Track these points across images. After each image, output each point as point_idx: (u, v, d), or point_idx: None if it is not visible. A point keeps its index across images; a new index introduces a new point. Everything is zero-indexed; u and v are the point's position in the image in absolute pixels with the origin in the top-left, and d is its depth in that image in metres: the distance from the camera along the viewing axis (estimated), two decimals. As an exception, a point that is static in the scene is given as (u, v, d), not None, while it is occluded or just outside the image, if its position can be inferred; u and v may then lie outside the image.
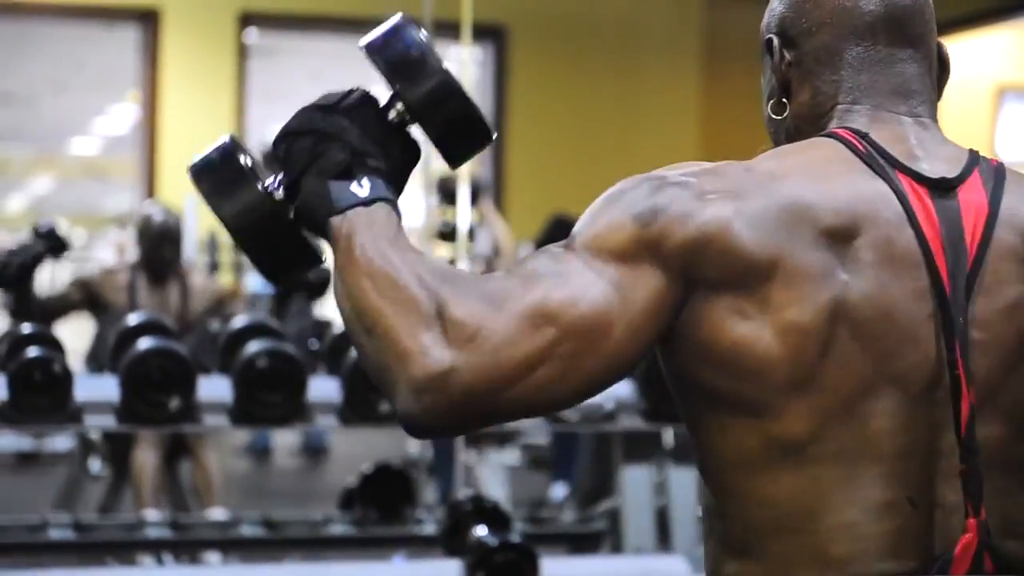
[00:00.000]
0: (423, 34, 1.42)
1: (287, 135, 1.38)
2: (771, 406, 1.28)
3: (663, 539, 4.20)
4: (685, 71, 9.39)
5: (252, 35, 9.10)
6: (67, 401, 3.45)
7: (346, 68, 14.00)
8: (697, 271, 1.27)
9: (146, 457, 5.04)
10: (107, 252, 11.90)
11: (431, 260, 1.30)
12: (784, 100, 1.43)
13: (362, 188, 1.32)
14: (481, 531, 3.78)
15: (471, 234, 6.75)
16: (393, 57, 1.42)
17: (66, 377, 3.45)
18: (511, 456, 6.92)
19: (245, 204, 1.36)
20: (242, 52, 8.77)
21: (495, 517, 3.95)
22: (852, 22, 1.40)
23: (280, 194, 1.37)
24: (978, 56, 9.60)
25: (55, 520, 4.40)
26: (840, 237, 1.29)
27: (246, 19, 8.77)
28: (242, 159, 1.39)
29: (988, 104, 9.67)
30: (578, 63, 9.27)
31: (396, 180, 1.36)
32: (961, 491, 1.30)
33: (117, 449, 5.22)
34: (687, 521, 4.21)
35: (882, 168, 1.33)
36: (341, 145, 1.34)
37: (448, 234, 6.63)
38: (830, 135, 1.37)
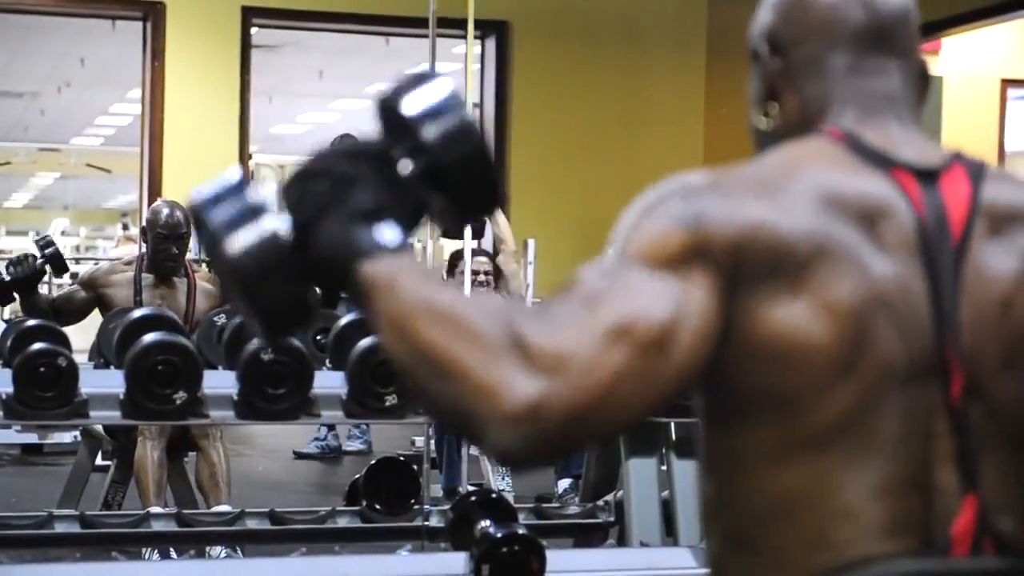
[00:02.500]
0: (447, 88, 1.36)
1: (300, 178, 1.31)
2: (803, 399, 1.30)
3: (669, 531, 4.20)
4: (689, 67, 9.38)
5: (255, 30, 9.09)
6: (72, 395, 3.45)
7: (349, 63, 14.03)
8: (745, 268, 1.29)
9: (148, 453, 5.04)
10: (113, 248, 11.90)
11: (485, 297, 1.29)
12: (772, 103, 1.47)
13: (391, 234, 1.28)
14: (487, 523, 3.78)
15: (479, 230, 6.76)
16: (425, 114, 1.34)
17: (71, 371, 3.45)
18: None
19: (253, 245, 1.28)
20: (245, 47, 8.76)
21: (500, 509, 3.95)
22: (839, 32, 1.44)
23: (288, 238, 1.29)
24: (984, 51, 9.60)
25: (60, 514, 4.41)
26: (868, 221, 1.34)
27: (249, 14, 8.76)
28: (250, 196, 1.32)
29: (994, 98, 9.66)
30: (581, 59, 9.26)
31: (409, 233, 1.33)
32: (957, 472, 1.32)
33: (121, 443, 5.22)
34: (693, 513, 4.21)
35: (876, 162, 1.38)
36: (363, 190, 1.29)
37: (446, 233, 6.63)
38: (821, 134, 1.42)
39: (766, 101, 1.48)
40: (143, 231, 5.51)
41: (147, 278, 5.35)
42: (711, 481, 1.39)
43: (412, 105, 1.34)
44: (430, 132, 1.33)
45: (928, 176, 1.38)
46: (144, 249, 5.46)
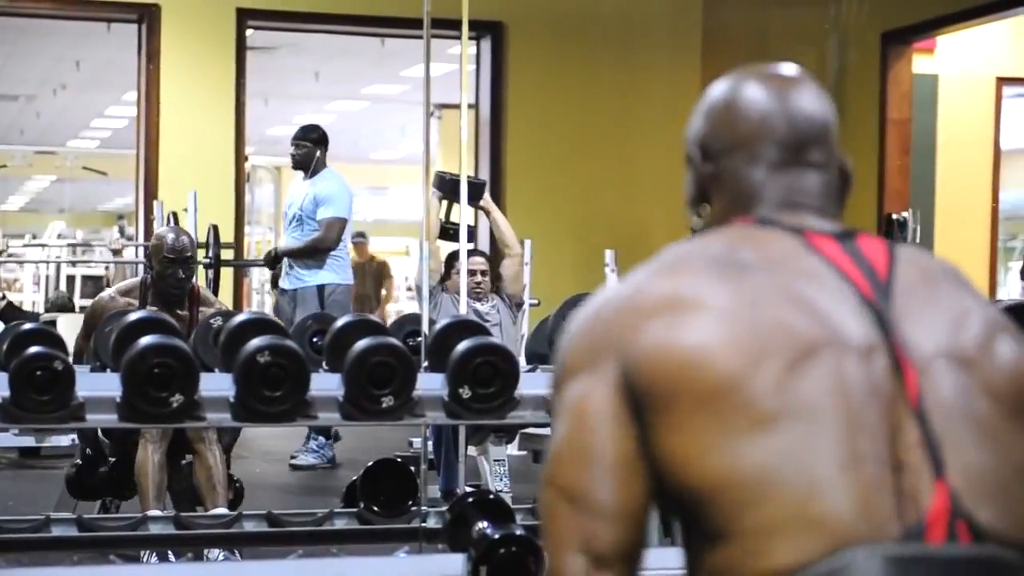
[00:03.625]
0: None
1: None
2: (732, 390, 1.41)
3: (666, 532, 4.20)
4: (684, 66, 9.38)
5: (250, 32, 9.09)
6: (69, 399, 3.45)
7: (344, 65, 14.03)
8: (629, 333, 1.47)
9: (149, 456, 5.03)
10: (105, 252, 11.89)
11: None
12: (704, 204, 1.62)
13: None
14: (484, 525, 3.78)
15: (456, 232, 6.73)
16: None
17: (68, 374, 3.45)
18: (513, 449, 6.92)
19: None
20: (241, 49, 8.76)
21: (498, 511, 3.95)
22: (763, 146, 1.58)
23: None
24: (980, 49, 9.61)
25: (58, 517, 4.40)
26: (738, 250, 1.49)
27: (244, 16, 8.76)
28: None
29: (990, 96, 9.67)
30: (576, 59, 9.26)
31: None
32: (926, 460, 1.39)
33: (118, 447, 5.22)
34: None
35: (791, 231, 1.52)
36: None
37: (451, 233, 6.63)
38: (739, 222, 1.56)
39: (699, 202, 1.62)
40: (148, 258, 5.46)
41: (151, 308, 5.29)
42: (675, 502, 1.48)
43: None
44: None
45: (845, 236, 1.53)
46: (145, 276, 5.42)
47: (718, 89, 1.62)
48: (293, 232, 7.43)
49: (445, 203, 6.70)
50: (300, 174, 7.60)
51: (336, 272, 7.37)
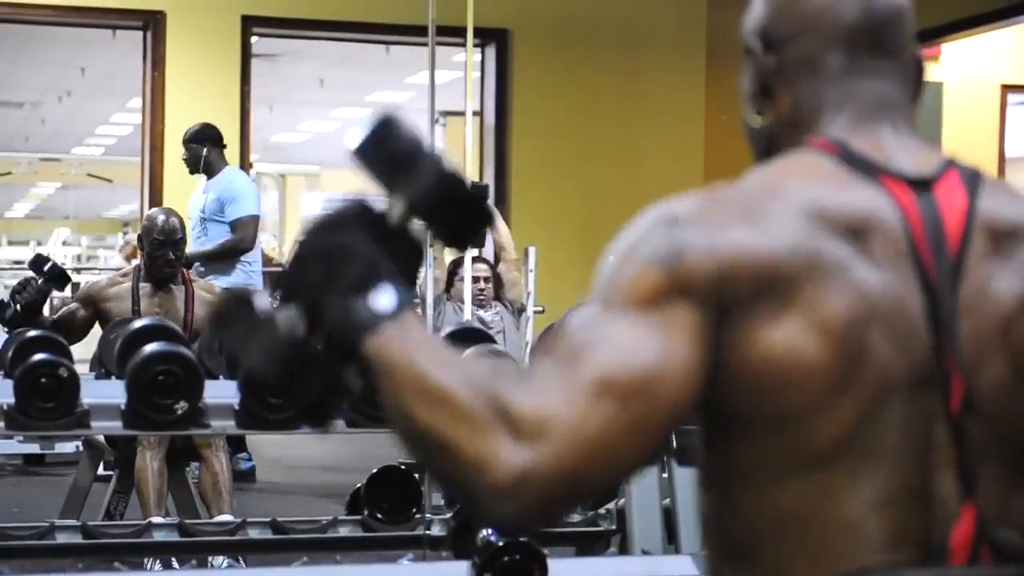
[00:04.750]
0: (407, 126, 1.39)
1: (296, 265, 1.32)
2: (801, 418, 1.29)
3: (670, 539, 4.20)
4: (689, 72, 9.38)
5: (255, 39, 9.10)
6: (73, 406, 3.45)
7: (349, 72, 14.02)
8: (731, 298, 1.28)
9: (148, 464, 5.03)
10: (116, 257, 11.90)
11: (472, 361, 1.29)
12: (766, 101, 1.45)
13: (386, 300, 1.28)
14: (488, 532, 3.77)
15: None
16: (384, 160, 1.36)
17: (72, 382, 3.45)
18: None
19: (268, 350, 1.30)
20: (246, 56, 8.77)
21: (502, 518, 3.94)
22: (832, 32, 1.41)
23: (302, 329, 1.30)
24: (984, 56, 9.60)
25: (62, 524, 4.40)
26: (857, 235, 1.32)
27: (249, 23, 8.77)
28: (259, 304, 1.33)
29: (994, 104, 9.67)
30: (581, 66, 9.26)
31: (409, 282, 1.34)
32: (956, 482, 1.32)
33: (123, 454, 5.22)
34: (694, 521, 4.21)
35: (867, 173, 1.36)
36: (353, 259, 1.29)
37: None
38: (809, 147, 1.40)
39: (759, 98, 1.45)
40: (139, 239, 5.54)
41: (144, 287, 5.36)
42: (709, 497, 1.38)
43: (367, 155, 1.36)
44: (391, 175, 1.35)
45: (922, 185, 1.36)
46: (140, 258, 5.49)
47: None
48: (199, 237, 6.98)
49: None
50: (203, 178, 7.23)
51: (250, 276, 6.94)
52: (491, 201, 6.98)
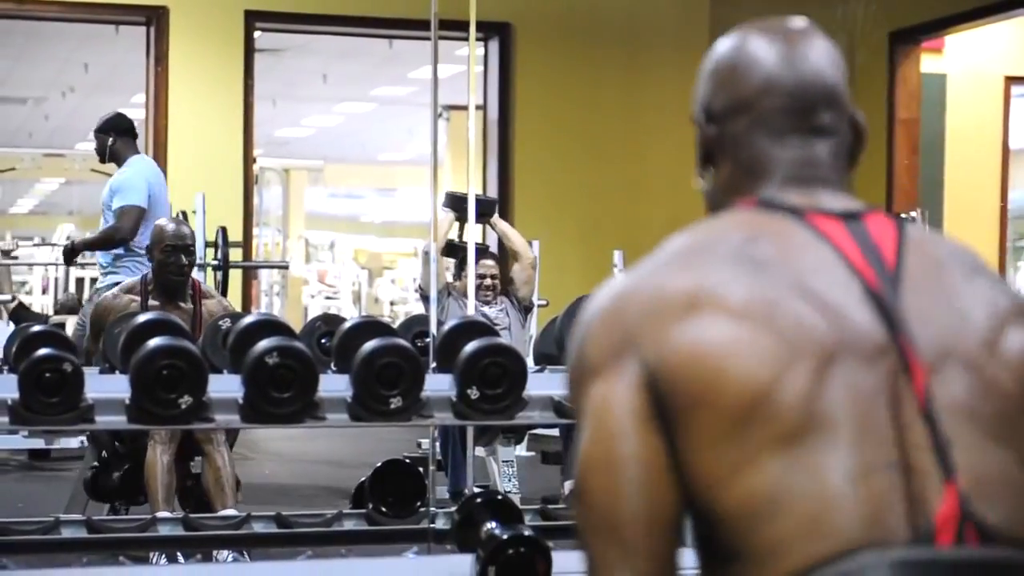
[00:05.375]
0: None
1: None
2: (755, 404, 1.36)
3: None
4: (692, 67, 9.27)
5: (259, 34, 9.10)
6: (78, 401, 3.45)
7: (352, 66, 14.03)
8: (649, 334, 1.40)
9: (159, 458, 5.04)
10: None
11: None
12: (709, 167, 1.55)
13: None
14: (493, 525, 3.78)
15: (463, 251, 6.73)
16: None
17: (77, 376, 3.45)
18: (522, 450, 6.92)
19: None
20: (249, 51, 8.77)
21: (507, 511, 3.96)
22: (766, 108, 1.50)
23: None
24: (988, 48, 9.59)
25: (67, 519, 4.41)
26: (752, 242, 1.42)
27: (252, 18, 8.77)
28: None
29: (998, 95, 9.65)
30: (584, 60, 9.26)
31: None
32: (934, 461, 1.36)
33: (127, 448, 5.22)
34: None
35: (792, 215, 1.45)
36: None
37: (453, 249, 6.65)
38: (738, 206, 1.50)
39: (703, 165, 1.55)
40: (148, 250, 5.47)
41: (155, 300, 5.32)
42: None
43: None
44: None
45: (851, 216, 1.45)
46: (146, 273, 5.45)
47: (721, 47, 1.55)
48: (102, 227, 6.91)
49: (456, 224, 6.71)
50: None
51: (134, 272, 6.54)
52: (497, 214, 6.99)
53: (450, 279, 6.88)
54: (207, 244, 7.41)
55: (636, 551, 1.35)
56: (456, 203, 6.62)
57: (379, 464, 4.50)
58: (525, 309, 6.80)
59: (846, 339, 1.36)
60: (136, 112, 7.99)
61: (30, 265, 13.98)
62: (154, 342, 3.51)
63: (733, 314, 1.36)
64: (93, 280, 13.98)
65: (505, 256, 7.01)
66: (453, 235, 6.74)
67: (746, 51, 1.52)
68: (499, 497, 4.04)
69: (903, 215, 7.75)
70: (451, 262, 6.93)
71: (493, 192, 9.08)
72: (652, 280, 1.40)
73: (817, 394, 1.34)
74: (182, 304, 5.32)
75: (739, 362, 1.34)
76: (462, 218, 6.62)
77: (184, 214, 7.30)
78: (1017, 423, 1.39)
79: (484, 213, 6.64)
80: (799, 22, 1.55)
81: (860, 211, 1.46)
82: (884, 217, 1.46)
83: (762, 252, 1.40)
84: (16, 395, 3.43)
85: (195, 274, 5.64)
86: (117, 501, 5.25)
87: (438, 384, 3.68)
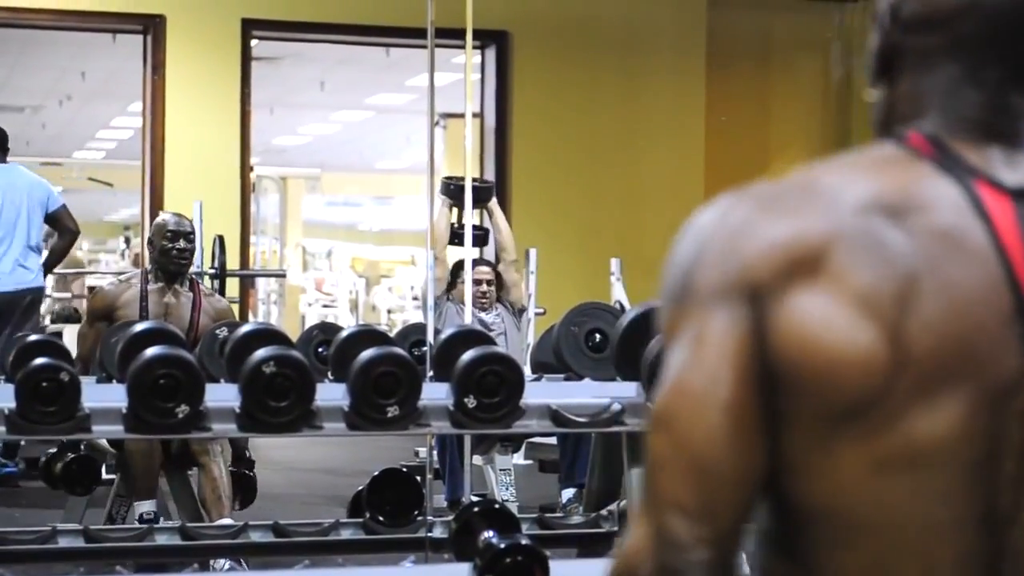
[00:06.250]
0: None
1: None
2: (866, 410, 1.18)
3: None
4: (689, 73, 9.38)
5: (255, 42, 9.10)
6: (75, 410, 3.45)
7: (349, 74, 14.02)
8: (765, 287, 1.19)
9: (139, 443, 5.03)
10: (118, 263, 11.90)
11: None
12: (885, 79, 1.31)
13: None
14: (490, 534, 3.78)
15: (482, 238, 6.77)
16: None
17: (74, 385, 3.45)
18: (519, 458, 6.92)
19: None
20: (246, 59, 8.77)
21: (504, 520, 3.95)
22: (966, 32, 1.25)
23: None
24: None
25: (64, 528, 4.40)
26: (892, 211, 1.19)
27: (249, 26, 8.78)
28: None
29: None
30: (581, 68, 9.27)
31: None
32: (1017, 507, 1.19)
33: (126, 456, 5.22)
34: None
35: (951, 169, 1.21)
36: None
37: (458, 235, 6.66)
38: (897, 141, 1.26)
39: (879, 74, 1.31)
40: (149, 243, 5.67)
41: (154, 292, 5.44)
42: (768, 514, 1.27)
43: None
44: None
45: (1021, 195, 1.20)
46: (149, 261, 5.56)
47: None
48: None
49: (456, 210, 6.75)
50: None
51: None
52: (495, 198, 7.02)
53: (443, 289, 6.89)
54: (203, 253, 7.41)
55: (719, 504, 1.19)
56: (452, 191, 6.65)
57: (376, 473, 4.50)
58: (519, 312, 6.81)
59: (973, 364, 1.17)
60: (133, 120, 8.00)
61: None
62: (151, 351, 3.51)
63: (858, 297, 1.16)
64: (91, 289, 14.00)
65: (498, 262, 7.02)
66: (454, 220, 6.79)
67: None
68: (496, 506, 4.03)
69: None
70: (448, 271, 6.94)
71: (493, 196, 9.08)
72: (776, 222, 1.20)
73: (928, 418, 1.16)
74: (180, 288, 5.47)
75: (856, 362, 1.15)
76: (458, 204, 6.63)
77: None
78: None
79: (481, 199, 6.68)
80: None
81: None
82: None
83: (902, 219, 1.18)
84: (13, 404, 3.43)
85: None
86: (68, 486, 5.16)
87: (435, 393, 3.68)
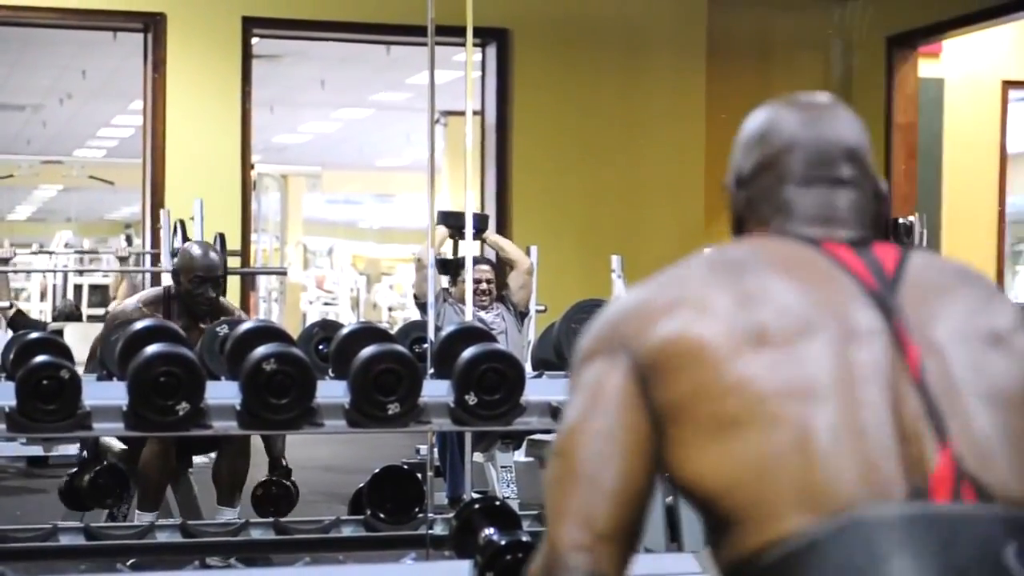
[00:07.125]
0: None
1: None
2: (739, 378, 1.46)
3: (673, 537, 4.20)
4: (689, 71, 9.38)
5: (256, 40, 9.10)
6: (75, 408, 3.45)
7: (349, 72, 14.03)
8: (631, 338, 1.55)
9: (152, 454, 5.01)
10: (112, 261, 11.89)
11: None
12: (742, 234, 1.65)
13: None
14: (491, 531, 3.78)
15: (456, 266, 6.72)
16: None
17: (74, 383, 3.45)
18: (520, 455, 6.92)
19: None
20: (246, 57, 8.77)
21: (505, 517, 3.95)
22: (789, 163, 1.62)
23: None
24: (985, 52, 9.60)
25: (65, 526, 4.41)
26: (776, 264, 1.55)
27: (250, 24, 8.77)
28: None
29: (995, 100, 9.66)
30: (582, 65, 9.26)
31: None
32: (930, 427, 1.43)
33: (132, 452, 5.21)
34: (696, 519, 4.20)
35: (802, 239, 1.57)
36: None
37: (445, 265, 6.68)
38: (757, 234, 1.62)
39: (738, 232, 1.66)
40: (175, 274, 5.35)
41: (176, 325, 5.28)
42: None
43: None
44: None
45: (860, 243, 1.57)
46: (168, 287, 5.38)
47: (751, 121, 1.67)
48: None
49: (450, 240, 6.76)
50: None
51: None
52: (491, 228, 7.03)
53: (445, 284, 6.88)
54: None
55: (603, 515, 1.46)
56: (449, 219, 6.66)
57: (377, 470, 4.50)
58: (521, 314, 6.80)
59: (831, 321, 1.47)
60: (134, 119, 8.00)
61: (28, 272, 13.97)
62: (151, 349, 3.51)
63: (712, 311, 1.48)
64: (92, 287, 14.01)
65: (501, 263, 7.02)
66: (446, 250, 6.78)
67: (772, 120, 1.64)
68: (497, 503, 4.03)
69: (899, 220, 7.75)
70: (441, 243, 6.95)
71: (491, 198, 9.08)
72: (645, 295, 1.54)
73: (794, 363, 1.45)
74: (203, 327, 5.26)
75: (714, 340, 1.46)
76: (456, 234, 6.65)
77: (182, 223, 7.29)
78: (1011, 396, 1.48)
79: (478, 229, 6.66)
80: (823, 96, 1.67)
81: (868, 239, 1.58)
82: (891, 245, 1.58)
83: (752, 260, 1.53)
84: (13, 402, 3.43)
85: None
86: (91, 506, 5.15)
87: (436, 390, 3.68)
